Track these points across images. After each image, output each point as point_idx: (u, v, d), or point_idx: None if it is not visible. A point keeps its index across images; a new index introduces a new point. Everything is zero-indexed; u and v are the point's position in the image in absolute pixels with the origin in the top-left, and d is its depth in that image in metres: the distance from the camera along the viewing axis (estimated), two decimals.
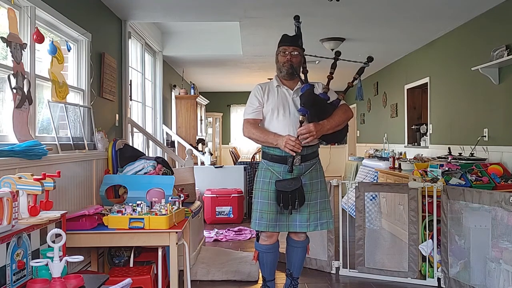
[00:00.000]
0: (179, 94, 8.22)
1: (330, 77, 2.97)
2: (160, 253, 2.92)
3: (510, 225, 2.94)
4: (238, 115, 12.49)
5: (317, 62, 7.04)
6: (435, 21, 5.05)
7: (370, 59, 2.99)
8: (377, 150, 7.17)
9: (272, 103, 2.90)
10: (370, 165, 6.38)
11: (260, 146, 3.04)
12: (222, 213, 6.00)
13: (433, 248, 3.54)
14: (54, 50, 3.16)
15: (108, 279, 2.05)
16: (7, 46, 2.59)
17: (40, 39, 2.87)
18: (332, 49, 5.88)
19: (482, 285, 3.15)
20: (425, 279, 3.56)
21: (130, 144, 4.53)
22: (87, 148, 3.53)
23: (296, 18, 2.99)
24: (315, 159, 2.95)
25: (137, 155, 3.90)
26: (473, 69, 4.49)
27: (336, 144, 3.10)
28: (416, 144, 6.60)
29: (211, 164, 6.84)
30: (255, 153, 7.57)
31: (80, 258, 1.88)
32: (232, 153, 10.14)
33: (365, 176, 6.29)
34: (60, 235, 1.95)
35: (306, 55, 3.00)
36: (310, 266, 3.94)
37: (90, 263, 3.39)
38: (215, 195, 6.00)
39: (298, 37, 2.95)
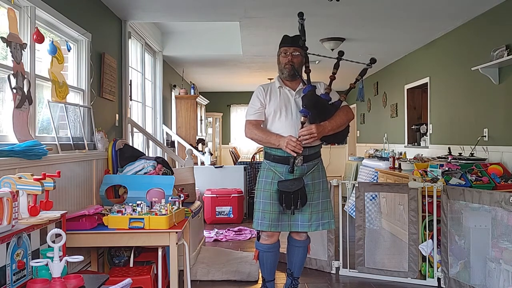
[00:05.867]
0: (179, 94, 8.22)
1: (332, 78, 2.96)
2: (160, 253, 2.92)
3: (510, 225, 2.94)
4: (238, 115, 12.49)
5: (317, 62, 7.03)
6: (435, 21, 5.05)
7: (373, 60, 2.98)
8: (377, 150, 7.17)
9: (274, 104, 2.91)
10: (370, 165, 6.38)
11: (260, 146, 3.04)
12: (222, 213, 6.00)
13: (433, 248, 3.54)
14: (54, 50, 3.16)
15: (108, 279, 2.05)
16: (7, 46, 2.59)
17: (40, 39, 2.87)
18: (332, 49, 5.88)
19: (482, 285, 3.15)
20: (425, 279, 3.56)
21: (130, 144, 4.53)
22: (87, 148, 3.53)
23: (300, 15, 2.95)
24: (317, 159, 2.96)
25: (137, 155, 3.90)
26: (473, 69, 4.49)
27: (336, 144, 3.08)
28: (416, 144, 6.60)
29: (211, 164, 6.84)
30: (255, 153, 7.57)
31: (80, 258, 1.88)
32: (232, 153, 10.14)
33: (365, 176, 6.29)
34: (60, 235, 1.95)
35: (309, 53, 2.98)
36: (310, 266, 3.94)
37: (90, 263, 3.39)
38: (215, 195, 6.00)
39: (299, 36, 2.94)
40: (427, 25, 5.21)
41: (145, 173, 3.56)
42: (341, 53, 2.99)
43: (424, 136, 6.34)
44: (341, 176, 10.51)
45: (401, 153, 6.38)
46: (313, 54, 3.06)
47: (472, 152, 4.53)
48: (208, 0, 4.35)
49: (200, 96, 9.33)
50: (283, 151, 2.82)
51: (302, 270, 3.18)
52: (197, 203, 4.07)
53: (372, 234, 3.91)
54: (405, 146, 6.90)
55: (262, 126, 2.94)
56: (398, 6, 4.51)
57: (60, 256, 1.82)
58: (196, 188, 4.32)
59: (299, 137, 2.76)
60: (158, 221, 2.72)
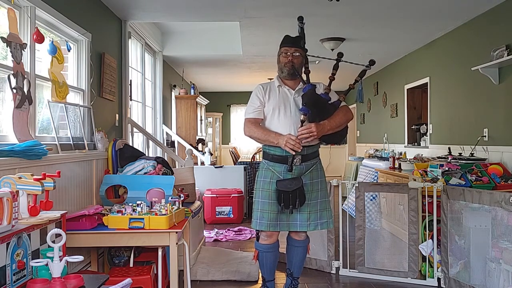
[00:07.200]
0: (179, 94, 8.22)
1: (331, 78, 2.99)
2: (160, 253, 2.92)
3: (510, 225, 2.94)
4: (238, 115, 12.49)
5: (317, 62, 7.03)
6: (435, 21, 5.05)
7: (372, 62, 3.00)
8: (377, 150, 7.17)
9: (273, 102, 2.92)
10: (370, 165, 6.38)
11: (260, 146, 3.04)
12: (222, 213, 6.00)
13: (433, 248, 3.54)
14: (54, 50, 3.16)
15: (108, 279, 2.05)
16: (7, 46, 2.59)
17: (40, 39, 2.87)
18: (332, 49, 5.89)
19: (482, 285, 3.15)
20: (425, 279, 3.56)
21: (130, 144, 4.53)
22: (87, 148, 3.53)
23: (300, 19, 3.00)
24: (315, 159, 2.96)
25: (137, 155, 3.90)
26: (473, 69, 4.49)
27: (335, 144, 3.10)
28: (416, 144, 6.60)
29: (211, 164, 6.84)
30: (255, 153, 7.57)
31: (80, 258, 1.88)
32: (232, 153, 10.14)
33: (365, 176, 6.29)
34: (60, 235, 1.95)
35: (308, 55, 3.01)
36: (310, 266, 3.94)
37: (90, 263, 3.39)
38: (215, 195, 6.00)
39: (300, 38, 2.97)
40: (427, 25, 5.21)
41: (145, 173, 3.56)
42: (340, 55, 3.01)
43: (424, 136, 6.34)
44: (341, 176, 10.51)
45: (401, 153, 6.38)
46: (313, 56, 3.07)
47: (472, 152, 4.53)
48: (208, 0, 4.35)
49: (200, 96, 9.33)
50: (282, 150, 2.82)
51: (302, 270, 3.18)
52: (197, 203, 4.07)
53: (372, 234, 3.91)
54: (405, 146, 6.90)
55: (261, 124, 2.95)
56: (398, 6, 4.51)
57: (60, 256, 1.82)
58: (196, 188, 4.31)
59: (299, 135, 2.77)
60: (158, 221, 2.72)
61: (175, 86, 8.27)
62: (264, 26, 5.26)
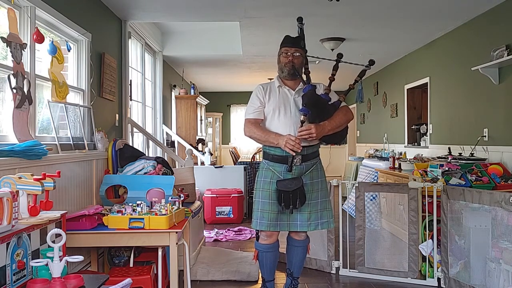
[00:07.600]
0: (179, 94, 8.22)
1: (331, 79, 2.99)
2: (160, 253, 2.92)
3: (510, 225, 2.94)
4: (238, 115, 12.49)
5: (317, 62, 7.03)
6: (435, 21, 5.05)
7: (371, 62, 3.01)
8: (377, 150, 7.17)
9: (274, 103, 2.92)
10: (370, 165, 6.38)
11: (260, 146, 3.04)
12: (222, 213, 6.00)
13: (433, 248, 3.55)
14: (54, 50, 3.16)
15: (108, 279, 2.05)
16: (7, 46, 2.59)
17: (40, 39, 2.87)
18: (332, 49, 5.89)
19: (482, 285, 3.15)
20: (425, 279, 3.56)
21: (130, 144, 4.53)
22: (87, 148, 3.53)
23: (299, 20, 3.01)
24: (315, 159, 2.96)
25: (137, 155, 3.90)
26: (473, 69, 4.49)
27: (335, 144, 3.12)
28: (416, 144, 6.60)
29: (211, 164, 6.84)
30: (255, 153, 7.57)
31: (80, 258, 1.88)
32: (232, 153, 10.14)
33: (365, 176, 6.29)
34: (60, 235, 1.95)
35: (308, 56, 3.02)
36: (310, 266, 3.94)
37: (90, 263, 3.39)
38: (215, 195, 6.00)
39: (301, 38, 2.98)
40: (427, 25, 5.21)
41: (145, 173, 3.56)
42: (340, 56, 3.02)
43: (424, 136, 6.34)
44: (341, 176, 10.51)
45: (401, 153, 6.38)
46: (313, 57, 3.07)
47: (472, 152, 4.53)
48: (208, 0, 4.35)
49: (200, 96, 9.33)
50: (282, 151, 2.82)
51: (302, 270, 3.18)
52: (197, 203, 4.07)
53: (372, 234, 3.91)
54: (405, 146, 6.90)
55: (261, 125, 2.95)
56: (398, 6, 4.51)
57: (60, 256, 1.82)
58: (196, 188, 4.32)
59: (298, 136, 2.77)
60: (158, 221, 2.72)
61: (175, 86, 8.27)
62: (264, 26, 5.26)
